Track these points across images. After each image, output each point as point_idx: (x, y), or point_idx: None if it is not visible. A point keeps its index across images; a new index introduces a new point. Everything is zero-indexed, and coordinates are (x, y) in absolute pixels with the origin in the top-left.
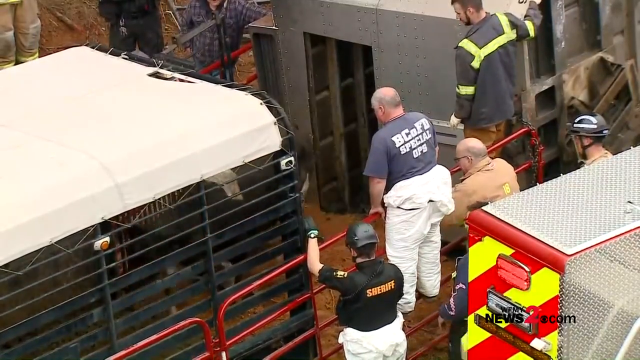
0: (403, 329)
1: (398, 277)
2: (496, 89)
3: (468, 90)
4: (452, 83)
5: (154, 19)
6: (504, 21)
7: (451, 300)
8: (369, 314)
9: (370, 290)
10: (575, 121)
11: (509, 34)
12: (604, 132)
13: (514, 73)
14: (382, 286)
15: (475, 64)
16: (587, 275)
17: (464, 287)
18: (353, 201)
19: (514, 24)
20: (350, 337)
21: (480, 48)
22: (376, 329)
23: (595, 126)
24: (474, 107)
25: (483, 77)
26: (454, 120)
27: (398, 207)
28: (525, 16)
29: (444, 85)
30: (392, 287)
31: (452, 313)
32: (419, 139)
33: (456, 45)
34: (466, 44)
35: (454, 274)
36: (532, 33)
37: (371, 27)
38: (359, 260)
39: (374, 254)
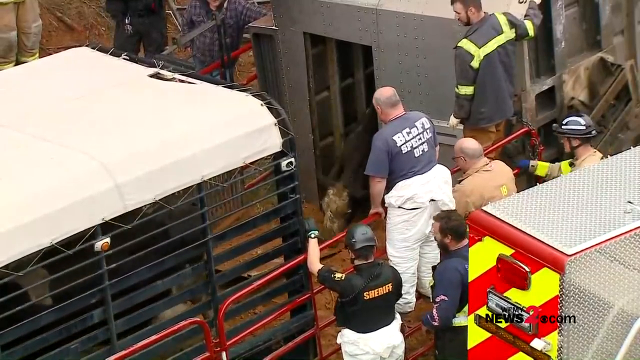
0: (403, 330)
1: (396, 279)
2: (496, 89)
3: (467, 90)
4: (452, 83)
5: (159, 18)
6: (503, 21)
7: (434, 311)
8: (367, 316)
9: (367, 293)
10: (563, 123)
11: (508, 34)
12: (593, 132)
13: (513, 73)
14: (379, 289)
15: (475, 63)
16: (587, 275)
17: (445, 298)
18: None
19: (512, 24)
20: (347, 338)
21: (479, 48)
22: (373, 330)
23: (583, 127)
24: (474, 107)
25: (482, 77)
26: (453, 120)
27: (399, 207)
28: (525, 16)
29: (444, 85)
30: (390, 289)
31: (436, 324)
32: (420, 138)
33: (455, 45)
34: (465, 44)
35: (431, 282)
36: (531, 33)
37: (371, 27)
38: (357, 262)
39: (372, 257)
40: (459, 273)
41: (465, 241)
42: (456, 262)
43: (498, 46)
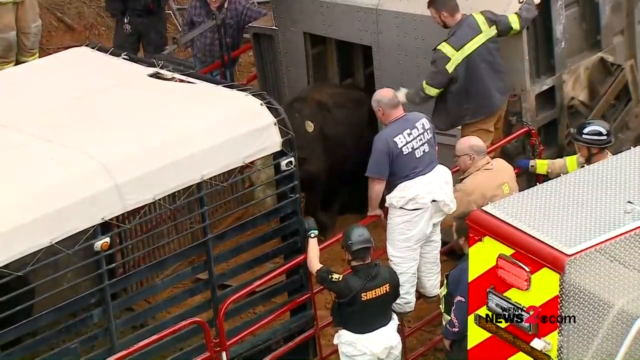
0: (402, 330)
1: (393, 280)
2: (478, 87)
3: (431, 92)
4: None
5: (158, 18)
6: (481, 20)
7: (452, 316)
8: (364, 317)
9: (365, 294)
10: (584, 132)
11: (488, 32)
12: (612, 140)
13: (501, 69)
14: (377, 290)
15: (450, 67)
16: (587, 275)
17: (463, 299)
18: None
19: (492, 21)
20: (344, 339)
21: (457, 51)
22: (371, 331)
23: (605, 137)
24: (455, 107)
25: (463, 78)
26: (401, 95)
27: (401, 208)
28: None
29: None
30: (388, 290)
31: (456, 329)
32: (421, 139)
33: (434, 47)
34: (444, 47)
35: (443, 292)
36: (515, 26)
37: (371, 27)
38: (353, 263)
39: (369, 258)
40: None
41: None
42: None
43: (478, 46)
